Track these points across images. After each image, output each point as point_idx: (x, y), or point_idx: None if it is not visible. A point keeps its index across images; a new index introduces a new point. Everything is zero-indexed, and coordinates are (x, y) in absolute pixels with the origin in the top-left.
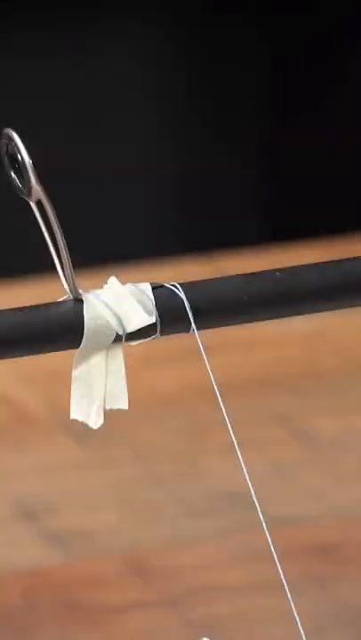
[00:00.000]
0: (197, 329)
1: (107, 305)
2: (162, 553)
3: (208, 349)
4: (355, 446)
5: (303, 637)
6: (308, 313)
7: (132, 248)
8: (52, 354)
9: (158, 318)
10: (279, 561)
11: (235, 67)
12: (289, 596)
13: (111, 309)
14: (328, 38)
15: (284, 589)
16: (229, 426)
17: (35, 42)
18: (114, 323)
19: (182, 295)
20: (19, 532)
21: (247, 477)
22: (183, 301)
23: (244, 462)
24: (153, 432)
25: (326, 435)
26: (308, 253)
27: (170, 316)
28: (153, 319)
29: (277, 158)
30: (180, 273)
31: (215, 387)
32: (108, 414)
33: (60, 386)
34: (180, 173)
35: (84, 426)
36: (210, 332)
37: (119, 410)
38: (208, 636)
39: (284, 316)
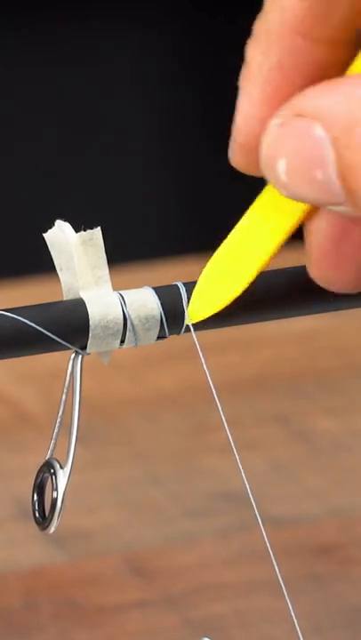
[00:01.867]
0: (196, 330)
1: (112, 303)
2: (162, 552)
3: (207, 349)
4: (355, 446)
5: (300, 637)
6: (315, 313)
7: (131, 248)
8: (51, 353)
9: (164, 317)
10: (278, 561)
11: (234, 68)
12: (286, 595)
13: (116, 307)
14: None
15: (284, 589)
16: (226, 425)
17: (33, 40)
18: (120, 319)
19: (184, 294)
20: (18, 532)
21: (244, 476)
22: (184, 301)
23: (242, 462)
24: (153, 432)
25: (326, 435)
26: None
27: (173, 316)
28: (158, 314)
29: None
30: (181, 273)
31: (212, 386)
32: (108, 414)
33: (60, 386)
34: (180, 173)
35: (84, 426)
36: (209, 332)
37: (119, 410)
38: (208, 636)
39: (291, 316)
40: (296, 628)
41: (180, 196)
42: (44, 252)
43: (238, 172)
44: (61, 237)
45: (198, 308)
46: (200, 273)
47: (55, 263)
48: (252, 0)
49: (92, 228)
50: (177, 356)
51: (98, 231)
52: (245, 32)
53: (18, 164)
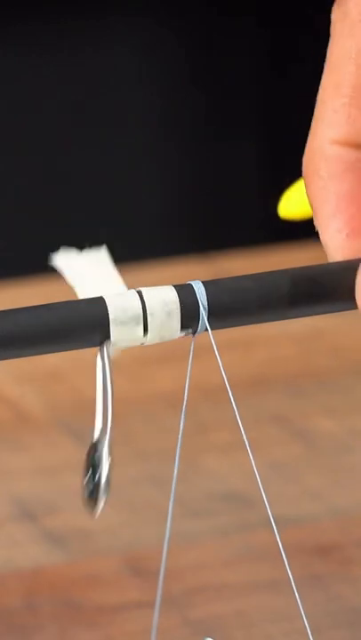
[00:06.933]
0: (213, 328)
1: (129, 301)
2: (162, 553)
3: (207, 349)
4: (355, 446)
5: (310, 635)
6: (335, 311)
7: (131, 248)
8: (51, 354)
9: (181, 315)
10: (278, 561)
11: (237, 67)
12: (296, 593)
13: (134, 304)
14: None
15: (291, 588)
16: (240, 423)
17: (33, 38)
18: (139, 315)
19: (200, 293)
20: (18, 532)
21: (258, 477)
22: (199, 299)
23: (242, 462)
24: (153, 432)
25: (326, 435)
26: (313, 253)
27: (190, 314)
28: (177, 300)
29: (280, 157)
30: (181, 273)
31: (228, 385)
32: None
33: (60, 386)
34: (181, 173)
35: (84, 426)
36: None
37: (119, 410)
38: (209, 636)
39: (308, 315)
40: (305, 626)
41: (181, 196)
42: (43, 251)
43: (239, 172)
44: (71, 261)
45: (286, 208)
46: (200, 273)
47: (71, 284)
48: None
49: (90, 229)
50: (177, 356)
51: (103, 250)
52: (249, 29)
53: (17, 163)
